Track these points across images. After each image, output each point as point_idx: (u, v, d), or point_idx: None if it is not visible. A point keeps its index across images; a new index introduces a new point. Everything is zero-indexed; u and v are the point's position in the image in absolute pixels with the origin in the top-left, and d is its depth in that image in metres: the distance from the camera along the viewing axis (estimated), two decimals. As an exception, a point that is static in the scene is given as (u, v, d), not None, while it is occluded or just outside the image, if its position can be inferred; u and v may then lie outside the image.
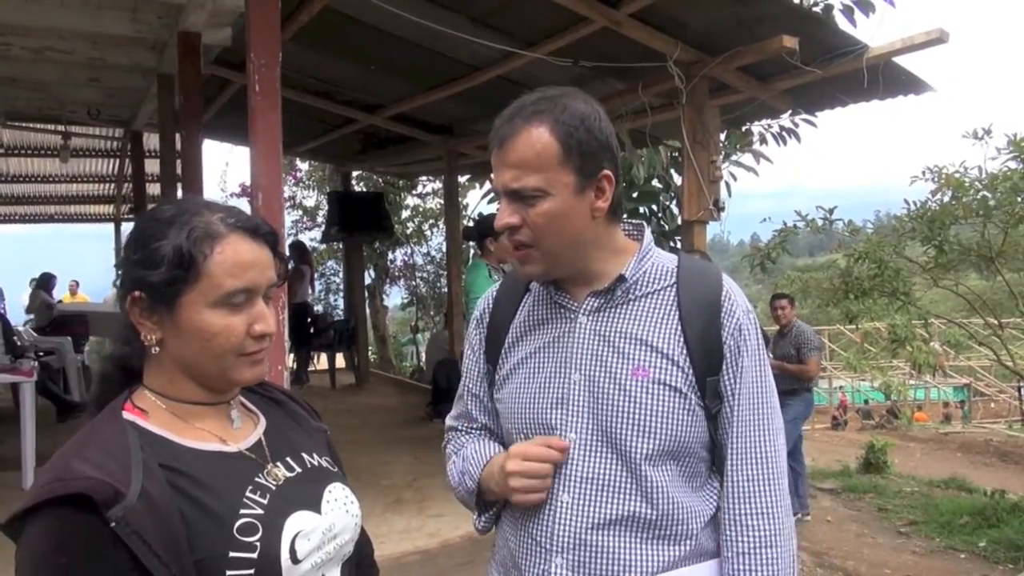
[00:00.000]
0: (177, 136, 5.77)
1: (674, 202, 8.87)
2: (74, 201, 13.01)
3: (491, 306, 1.41)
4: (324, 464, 1.16)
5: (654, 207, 9.63)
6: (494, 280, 4.25)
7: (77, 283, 12.88)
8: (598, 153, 1.19)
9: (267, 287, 1.06)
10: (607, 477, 1.20)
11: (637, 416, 1.18)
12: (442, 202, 11.06)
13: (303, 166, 13.31)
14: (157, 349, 1.04)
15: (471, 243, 7.95)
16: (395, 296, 15.86)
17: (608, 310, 1.25)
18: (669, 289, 1.24)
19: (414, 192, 13.92)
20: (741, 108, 4.94)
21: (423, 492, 4.85)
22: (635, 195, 9.21)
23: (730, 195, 9.13)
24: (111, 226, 13.22)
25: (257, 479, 1.05)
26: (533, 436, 1.26)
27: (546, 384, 1.26)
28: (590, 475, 1.20)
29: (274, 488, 1.05)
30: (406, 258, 14.59)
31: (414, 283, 14.78)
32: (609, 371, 1.21)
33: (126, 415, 1.02)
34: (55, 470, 0.92)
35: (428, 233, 14.56)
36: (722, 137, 7.78)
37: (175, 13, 4.87)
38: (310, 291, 9.97)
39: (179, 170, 5.86)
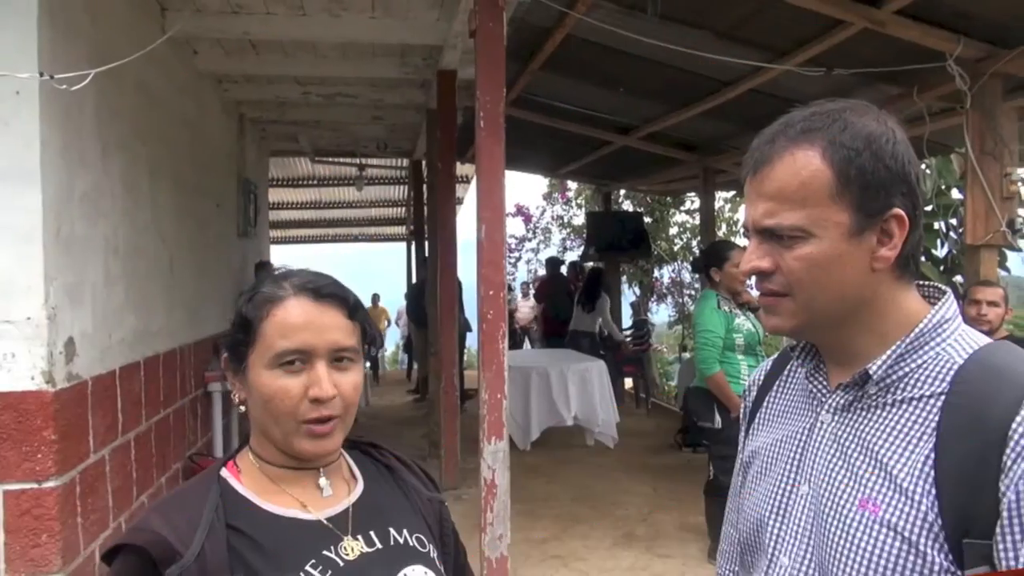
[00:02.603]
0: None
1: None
2: (373, 223, 14.70)
3: (760, 378, 1.20)
4: (412, 542, 1.10)
5: (953, 222, 8.44)
6: (724, 311, 3.97)
7: (378, 296, 14.59)
8: (887, 185, 0.91)
9: (331, 350, 1.03)
10: None
11: (851, 561, 0.90)
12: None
13: (572, 185, 13.70)
14: (243, 409, 1.09)
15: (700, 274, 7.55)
16: (662, 314, 15.63)
17: (857, 411, 0.96)
18: (935, 399, 0.90)
19: (682, 208, 13.66)
20: (1050, 108, 4.10)
21: (656, 528, 4.67)
22: (929, 209, 8.13)
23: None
24: (404, 245, 14.67)
25: (325, 552, 1.02)
26: (748, 540, 1.07)
27: (772, 487, 1.04)
28: None
29: (341, 564, 1.02)
30: (673, 275, 14.34)
31: (682, 300, 14.45)
32: (835, 493, 0.94)
33: (223, 472, 1.07)
34: (140, 518, 1.00)
35: (696, 250, 14.18)
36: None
37: (436, 54, 5.27)
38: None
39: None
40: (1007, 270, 8.26)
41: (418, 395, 9.40)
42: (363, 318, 1.09)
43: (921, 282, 1.00)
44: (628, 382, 9.64)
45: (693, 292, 14.20)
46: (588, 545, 4.39)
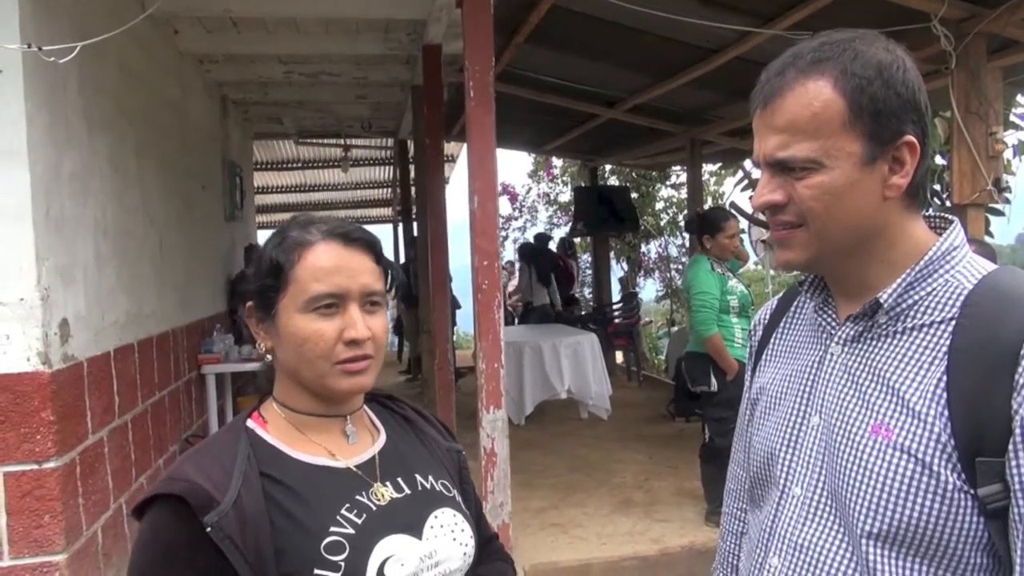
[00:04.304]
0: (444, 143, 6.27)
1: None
2: (359, 205, 14.63)
3: (767, 316, 1.21)
4: (438, 488, 1.13)
5: (937, 187, 8.51)
6: (717, 273, 4.01)
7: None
8: (899, 113, 0.91)
9: (363, 294, 1.05)
10: (825, 549, 0.96)
11: (864, 485, 0.91)
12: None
13: (557, 162, 13.67)
14: (270, 358, 1.09)
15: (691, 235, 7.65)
16: (650, 289, 15.68)
17: (867, 341, 0.97)
18: (946, 324, 0.91)
19: (667, 183, 13.68)
20: (1033, 67, 4.14)
21: (653, 494, 4.72)
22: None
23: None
24: (390, 226, 14.64)
25: (358, 497, 1.04)
26: (759, 474, 1.09)
27: (783, 420, 1.05)
28: (805, 543, 0.98)
29: (374, 508, 1.04)
30: (660, 250, 14.37)
31: (669, 275, 14.50)
32: (847, 421, 0.95)
33: (249, 423, 1.08)
34: (172, 469, 1.00)
35: (682, 224, 14.19)
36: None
37: (420, 28, 5.23)
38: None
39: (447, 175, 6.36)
40: (991, 235, 8.35)
41: (410, 375, 9.41)
42: (387, 263, 1.11)
43: (928, 213, 1.01)
44: (619, 356, 9.70)
45: (680, 267, 14.26)
46: (587, 512, 4.44)
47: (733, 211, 4.78)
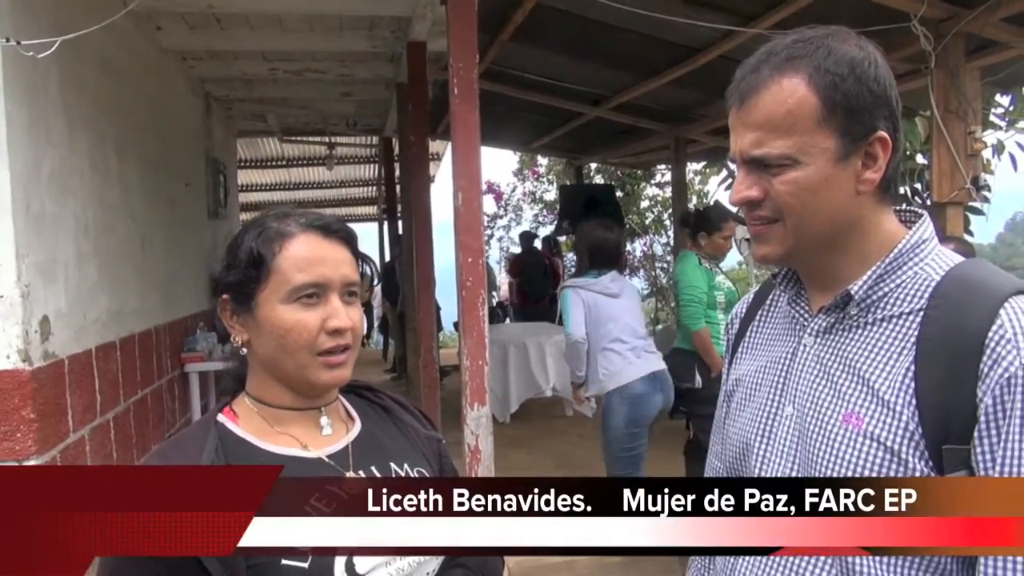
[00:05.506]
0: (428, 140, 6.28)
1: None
2: (344, 203, 14.61)
3: (743, 310, 1.23)
4: (413, 475, 1.13)
5: (918, 186, 8.60)
6: (705, 269, 4.03)
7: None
8: (871, 109, 0.93)
9: (343, 284, 1.06)
10: None
11: (835, 473, 0.93)
12: (679, 191, 10.78)
13: (543, 160, 13.68)
14: (245, 351, 1.09)
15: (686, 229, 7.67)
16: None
17: (839, 332, 0.99)
18: (915, 315, 0.93)
19: (652, 182, 13.73)
20: (1011, 67, 4.19)
21: (637, 491, 4.75)
22: (894, 173, 8.26)
23: (1016, 169, 7.87)
24: (375, 225, 14.60)
25: (328, 487, 1.03)
26: (734, 465, 1.10)
27: (757, 411, 1.07)
28: None
29: (344, 498, 1.03)
30: (645, 248, 14.42)
31: (654, 273, 14.55)
32: (819, 411, 0.97)
33: (220, 418, 1.08)
34: (141, 464, 1.00)
35: (667, 223, 14.26)
36: (1005, 102, 6.74)
37: (405, 25, 5.22)
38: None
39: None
40: (971, 233, 8.45)
41: (395, 373, 9.39)
42: (362, 255, 1.13)
43: (899, 207, 1.03)
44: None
45: (665, 265, 14.32)
46: (571, 510, 4.45)
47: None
